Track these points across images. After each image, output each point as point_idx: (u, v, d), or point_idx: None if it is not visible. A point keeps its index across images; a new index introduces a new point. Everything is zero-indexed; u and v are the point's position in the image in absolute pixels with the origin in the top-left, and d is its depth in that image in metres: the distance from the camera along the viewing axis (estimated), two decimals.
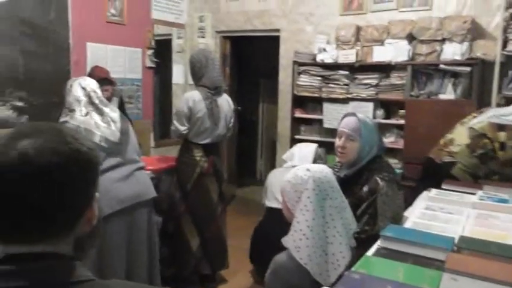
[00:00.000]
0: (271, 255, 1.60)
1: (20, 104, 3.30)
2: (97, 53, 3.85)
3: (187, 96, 2.93)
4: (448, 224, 1.78)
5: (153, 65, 4.48)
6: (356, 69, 3.89)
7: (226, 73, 5.00)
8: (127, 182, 2.27)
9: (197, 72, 2.94)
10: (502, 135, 2.39)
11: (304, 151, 3.29)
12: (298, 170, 1.55)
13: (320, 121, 4.17)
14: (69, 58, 3.62)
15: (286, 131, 4.43)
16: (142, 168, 2.45)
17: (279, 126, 4.66)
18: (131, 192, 2.28)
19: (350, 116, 2.06)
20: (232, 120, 3.15)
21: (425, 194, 2.34)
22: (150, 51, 4.42)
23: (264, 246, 2.90)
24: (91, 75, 3.11)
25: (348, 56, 3.86)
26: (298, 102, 4.27)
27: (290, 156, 3.29)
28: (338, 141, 2.06)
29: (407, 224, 1.81)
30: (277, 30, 4.50)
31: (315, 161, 3.26)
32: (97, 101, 2.24)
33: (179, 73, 5.25)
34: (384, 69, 3.80)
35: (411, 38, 3.67)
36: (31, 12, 3.30)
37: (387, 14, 3.87)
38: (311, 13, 4.28)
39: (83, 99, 2.21)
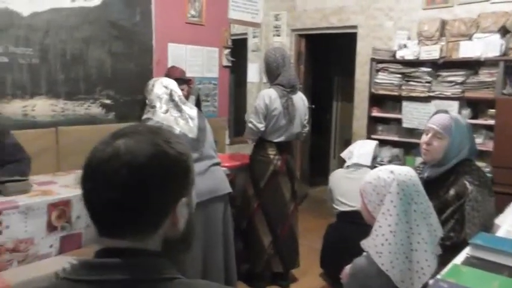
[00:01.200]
0: (343, 261, 1.55)
1: (108, 101, 3.53)
2: (177, 53, 4.01)
3: (264, 94, 2.94)
4: None
5: (229, 64, 4.57)
6: (440, 66, 3.67)
7: (301, 71, 4.97)
8: (204, 177, 2.34)
9: (273, 71, 2.95)
10: None
11: (364, 149, 3.15)
12: (380, 172, 1.48)
13: (398, 120, 4.00)
14: (152, 58, 3.80)
15: (362, 131, 4.30)
16: (218, 164, 2.50)
17: (354, 125, 4.54)
18: (208, 187, 2.35)
19: (441, 112, 1.94)
20: (307, 118, 3.12)
21: None
22: (227, 51, 4.51)
23: (336, 252, 2.84)
24: (167, 75, 3.23)
25: (431, 52, 3.64)
26: (376, 100, 4.12)
27: (348, 154, 3.17)
28: (424, 138, 1.96)
29: (500, 233, 1.67)
30: (355, 27, 4.38)
31: (374, 159, 3.13)
32: (176, 99, 2.34)
33: (254, 72, 5.32)
34: (472, 65, 3.53)
35: (504, 31, 3.38)
36: (119, 16, 3.52)
37: (476, 6, 3.61)
38: (391, 8, 4.11)
39: (164, 97, 2.31)
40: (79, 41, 3.28)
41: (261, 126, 2.92)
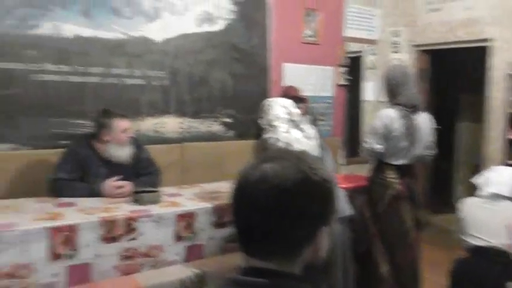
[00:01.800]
0: None
1: (228, 120, 3.71)
2: (292, 73, 4.07)
3: (383, 114, 2.80)
4: None
5: (346, 83, 4.50)
6: None
7: (424, 89, 4.69)
8: None
9: (393, 90, 2.81)
10: None
11: (504, 176, 2.75)
12: None
13: None
14: (268, 78, 3.91)
15: (496, 154, 3.87)
16: (336, 184, 2.44)
17: (485, 148, 4.10)
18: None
19: None
20: (432, 140, 2.90)
21: None
22: (343, 69, 4.46)
23: None
24: (283, 95, 3.27)
25: None
26: None
27: (485, 182, 2.78)
28: None
29: None
30: (486, 40, 4.01)
31: None
32: (296, 118, 2.31)
33: (370, 90, 5.16)
34: None
35: None
36: (239, 39, 3.70)
37: None
38: None
39: (283, 116, 2.29)
40: (204, 63, 3.51)
41: (379, 147, 2.79)
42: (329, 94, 4.42)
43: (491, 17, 3.97)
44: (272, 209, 0.75)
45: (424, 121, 2.83)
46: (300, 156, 0.82)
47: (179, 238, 2.29)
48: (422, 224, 3.06)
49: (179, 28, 3.37)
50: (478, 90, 4.31)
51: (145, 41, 3.21)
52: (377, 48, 4.90)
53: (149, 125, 3.27)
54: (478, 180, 2.85)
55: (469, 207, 2.75)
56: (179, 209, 2.32)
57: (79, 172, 2.50)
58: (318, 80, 4.30)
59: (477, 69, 4.20)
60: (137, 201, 2.33)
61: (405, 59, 4.71)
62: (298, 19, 4.08)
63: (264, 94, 3.89)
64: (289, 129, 2.28)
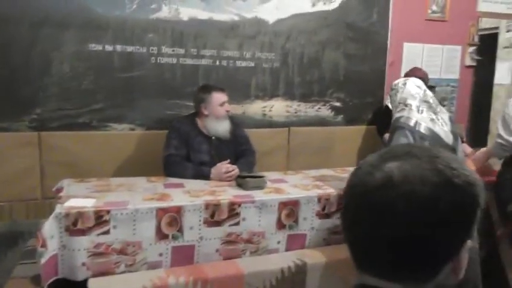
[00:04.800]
0: None
1: (337, 104, 3.53)
2: (412, 53, 3.72)
3: None
4: None
5: (474, 64, 4.00)
6: None
7: None
8: None
9: None
10: None
11: None
12: None
13: None
14: (385, 59, 3.62)
15: None
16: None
17: None
18: None
19: None
20: None
21: None
22: (472, 48, 3.95)
23: None
24: (407, 75, 3.04)
25: None
26: None
27: None
28: None
29: None
30: None
31: None
32: (430, 100, 2.21)
33: (504, 72, 4.51)
34: None
35: None
36: (356, 17, 3.46)
37: None
38: None
39: (418, 96, 2.20)
40: (316, 44, 3.37)
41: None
42: (454, 77, 3.96)
43: None
44: (404, 224, 0.59)
45: None
46: (433, 153, 0.65)
47: (281, 226, 2.25)
48: None
49: (293, 8, 3.25)
50: None
51: (258, 22, 3.17)
52: None
53: (257, 108, 3.25)
54: None
55: None
56: (282, 196, 2.28)
57: (184, 148, 2.58)
58: (442, 61, 3.87)
59: None
60: (241, 186, 2.34)
61: None
62: None
63: (379, 77, 3.63)
64: (424, 110, 2.17)
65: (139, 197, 2.08)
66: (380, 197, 0.61)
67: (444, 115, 2.22)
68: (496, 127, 2.70)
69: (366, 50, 3.55)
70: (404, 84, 2.27)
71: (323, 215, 2.37)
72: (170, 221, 1.96)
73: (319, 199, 2.35)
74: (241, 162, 2.64)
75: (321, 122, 3.49)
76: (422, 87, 2.25)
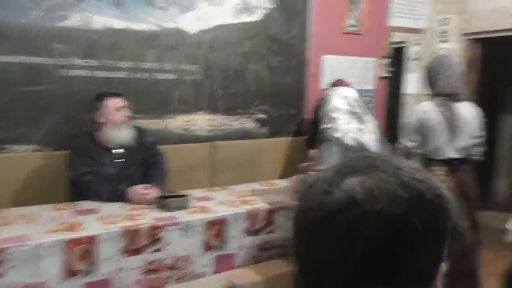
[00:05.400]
0: None
1: (262, 116, 3.50)
2: (332, 65, 3.81)
3: (417, 108, 2.75)
4: None
5: (388, 75, 4.20)
6: None
7: (474, 80, 4.32)
8: None
9: (430, 81, 2.71)
10: None
11: None
12: None
13: None
14: (306, 71, 3.67)
15: None
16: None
17: None
18: None
19: None
20: (480, 130, 2.71)
21: None
22: (386, 61, 4.15)
23: None
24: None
25: None
26: None
27: None
28: None
29: None
30: None
31: None
32: (358, 110, 2.23)
33: (412, 82, 4.82)
34: None
35: None
36: (278, 30, 3.47)
37: None
38: None
39: (344, 108, 2.21)
40: (240, 56, 3.31)
41: (411, 144, 2.69)
42: (370, 87, 4.13)
43: None
44: (372, 247, 0.51)
45: (467, 110, 2.65)
46: (396, 163, 0.56)
47: (208, 247, 2.14)
48: (479, 225, 2.79)
49: (215, 19, 3.17)
50: None
51: (179, 33, 3.04)
52: (422, 38, 4.54)
53: (179, 122, 3.10)
54: None
55: None
56: (209, 216, 2.16)
57: (91, 165, 2.36)
58: (359, 72, 4.01)
59: None
60: (163, 207, 2.18)
61: (453, 48, 4.34)
62: (341, 8, 3.79)
63: (301, 88, 3.67)
64: (351, 121, 2.18)
65: (42, 229, 1.82)
66: (344, 220, 0.52)
67: (372, 124, 2.24)
68: (400, 134, 2.91)
69: (289, 62, 3.57)
70: (331, 95, 2.29)
71: (252, 231, 2.29)
72: (82, 253, 1.74)
73: (247, 215, 2.27)
74: (155, 177, 2.48)
75: (246, 134, 3.43)
76: (350, 97, 2.26)
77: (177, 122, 3.09)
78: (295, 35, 3.56)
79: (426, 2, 4.26)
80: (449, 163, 2.63)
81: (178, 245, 2.02)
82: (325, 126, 2.21)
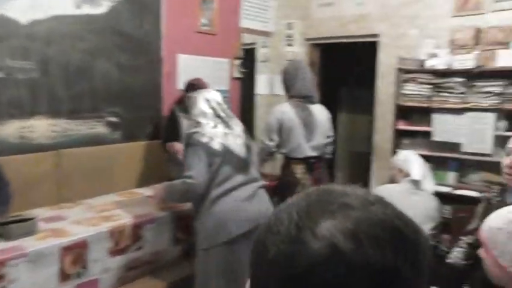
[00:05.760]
0: None
1: (114, 119, 3.17)
2: (187, 65, 3.68)
3: (276, 109, 2.83)
4: None
5: (241, 76, 4.26)
6: (474, 76, 3.41)
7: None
8: (252, 202, 2.15)
9: (287, 84, 2.85)
10: None
11: (421, 163, 2.79)
12: (510, 214, 1.17)
13: (426, 133, 3.72)
14: (161, 70, 3.47)
15: (385, 144, 4.02)
16: (263, 186, 2.28)
17: (375, 139, 4.25)
18: (257, 212, 2.14)
19: None
20: (330, 130, 2.96)
21: None
22: (238, 61, 4.20)
23: None
24: (197, 87, 3.00)
25: (465, 61, 3.38)
26: (401, 112, 3.84)
27: (405, 166, 2.75)
28: (505, 160, 1.71)
29: None
30: (376, 36, 4.11)
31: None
32: (222, 114, 2.18)
33: (263, 84, 5.01)
34: (509, 75, 3.28)
35: None
36: (126, 24, 3.18)
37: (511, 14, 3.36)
38: (416, 16, 3.85)
39: (209, 112, 2.15)
40: (84, 52, 2.93)
41: (272, 144, 2.77)
42: (224, 88, 4.13)
43: (380, 14, 4.07)
44: None
45: (320, 112, 2.86)
46: (367, 198, 0.48)
47: (66, 277, 1.80)
48: None
49: (52, 8, 2.72)
50: (365, 83, 4.44)
51: (6, 22, 2.52)
52: (271, 40, 4.75)
53: (12, 129, 2.58)
54: (399, 162, 2.78)
55: (388, 195, 2.64)
56: (64, 240, 1.82)
57: None
58: (214, 72, 3.97)
59: (367, 63, 4.30)
60: (3, 236, 1.75)
61: (298, 52, 4.65)
62: (194, 6, 3.68)
63: (156, 89, 3.45)
64: (218, 125, 2.13)
65: None
66: (326, 277, 0.41)
67: (238, 128, 2.22)
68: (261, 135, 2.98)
69: (141, 61, 3.31)
70: (196, 99, 2.21)
71: (118, 251, 2.03)
72: None
73: (111, 234, 1.99)
74: None
75: (97, 140, 3.06)
76: (213, 102, 2.20)
77: (10, 129, 2.57)
78: (147, 32, 3.32)
79: (273, 6, 4.45)
80: (307, 161, 2.78)
81: (27, 281, 1.64)
82: (192, 130, 2.14)
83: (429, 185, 2.72)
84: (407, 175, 2.67)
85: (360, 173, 4.84)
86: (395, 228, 0.45)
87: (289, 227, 0.44)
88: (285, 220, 0.45)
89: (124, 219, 2.13)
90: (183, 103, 3.07)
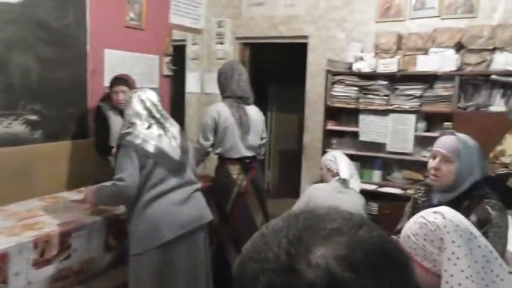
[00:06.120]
0: None
1: (33, 117, 2.92)
2: (114, 60, 3.49)
3: (211, 108, 2.82)
4: None
5: (171, 73, 4.15)
6: (397, 79, 3.63)
7: None
8: (188, 205, 2.12)
9: (222, 84, 2.84)
10: None
11: (349, 163, 2.90)
12: (421, 218, 1.24)
13: (354, 133, 3.90)
14: (86, 66, 3.25)
15: (315, 143, 4.15)
16: (199, 189, 2.26)
17: (305, 138, 4.37)
18: (192, 216, 2.13)
19: (448, 134, 1.82)
20: (264, 130, 3.00)
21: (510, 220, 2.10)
22: (168, 58, 4.08)
23: None
24: (130, 85, 2.90)
25: (389, 65, 3.59)
26: (330, 113, 3.98)
27: (334, 166, 2.85)
28: (431, 163, 1.83)
29: None
30: (305, 37, 4.22)
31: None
32: (157, 115, 2.11)
33: (193, 82, 4.92)
34: (428, 79, 3.54)
35: (459, 46, 3.43)
36: (48, 15, 2.94)
37: (428, 22, 3.63)
38: (343, 19, 4.01)
39: (143, 112, 2.08)
40: None
41: (208, 144, 2.75)
42: (155, 85, 3.99)
43: (309, 16, 4.18)
44: None
45: (255, 112, 2.89)
46: (355, 220, 0.47)
47: None
48: (269, 217, 3.03)
49: None
50: (298, 83, 4.54)
51: None
52: (202, 38, 4.68)
53: None
54: (328, 162, 2.84)
55: (319, 195, 2.69)
56: None
57: None
58: (143, 69, 3.81)
59: (298, 63, 4.40)
60: None
61: (229, 50, 4.63)
62: None
63: (81, 85, 3.24)
64: (152, 125, 2.08)
65: None
66: None
67: (174, 129, 2.17)
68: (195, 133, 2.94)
69: (64, 55, 3.08)
70: (130, 99, 2.13)
71: (43, 262, 1.86)
72: None
73: (35, 244, 1.83)
74: None
75: (14, 140, 2.80)
76: (148, 102, 2.12)
77: None
78: (70, 24, 3.10)
79: (204, 3, 4.38)
80: (243, 161, 2.79)
81: None
82: (124, 131, 2.06)
83: (356, 184, 2.84)
84: (335, 174, 2.77)
85: (291, 171, 4.96)
86: (386, 252, 0.44)
87: (279, 253, 0.42)
88: (273, 246, 0.43)
89: (50, 227, 1.96)
90: (110, 100, 2.93)
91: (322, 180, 2.93)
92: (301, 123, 4.46)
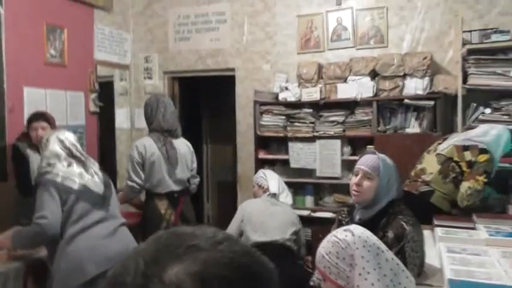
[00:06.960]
0: None
1: None
2: (34, 98, 3.35)
3: (136, 143, 2.80)
4: (487, 269, 1.67)
5: (97, 110, 4.05)
6: (321, 107, 3.81)
7: None
8: (113, 239, 2.08)
9: (149, 117, 2.83)
10: (468, 154, 2.43)
11: (278, 179, 3.06)
12: (333, 237, 1.32)
13: (285, 161, 4.00)
14: (4, 104, 3.10)
15: (248, 172, 4.19)
16: (124, 224, 2.23)
17: (239, 168, 4.40)
18: (118, 250, 2.05)
19: (369, 153, 1.96)
20: (194, 163, 3.00)
21: (427, 233, 2.24)
22: (94, 95, 3.99)
23: None
24: (52, 124, 2.81)
25: (312, 93, 3.77)
26: (261, 142, 4.07)
27: (263, 181, 2.99)
28: (353, 179, 1.95)
29: (449, 273, 1.65)
30: (232, 70, 4.33)
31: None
32: (78, 154, 2.11)
33: (123, 117, 4.82)
34: (349, 105, 3.75)
35: (374, 74, 3.69)
36: None
37: (345, 52, 3.89)
38: (267, 52, 4.18)
39: (62, 152, 2.07)
40: None
41: (139, 179, 2.71)
42: (80, 122, 3.87)
43: (234, 49, 4.31)
44: None
45: (183, 145, 2.90)
46: (215, 238, 0.47)
47: None
48: None
49: None
50: (224, 115, 4.60)
51: None
52: (129, 73, 4.64)
53: None
54: (260, 182, 2.95)
55: (252, 208, 2.75)
56: None
57: None
58: (67, 106, 3.69)
59: (227, 95, 4.48)
60: None
61: (158, 85, 4.62)
62: (39, 35, 3.40)
63: None
64: (72, 164, 2.07)
65: None
66: None
67: (94, 167, 2.18)
68: (126, 169, 2.89)
69: None
70: (48, 140, 2.11)
71: None
72: None
73: None
74: None
75: None
76: (67, 142, 2.12)
77: None
78: None
79: (129, 39, 4.37)
80: (171, 196, 2.77)
81: None
82: (44, 170, 2.03)
83: (287, 199, 2.96)
84: (266, 190, 2.89)
85: (229, 202, 4.94)
86: (243, 265, 0.45)
87: (135, 277, 0.42)
88: (131, 270, 0.43)
89: None
90: (28, 138, 2.81)
91: (254, 197, 3.01)
92: (236, 153, 4.50)
